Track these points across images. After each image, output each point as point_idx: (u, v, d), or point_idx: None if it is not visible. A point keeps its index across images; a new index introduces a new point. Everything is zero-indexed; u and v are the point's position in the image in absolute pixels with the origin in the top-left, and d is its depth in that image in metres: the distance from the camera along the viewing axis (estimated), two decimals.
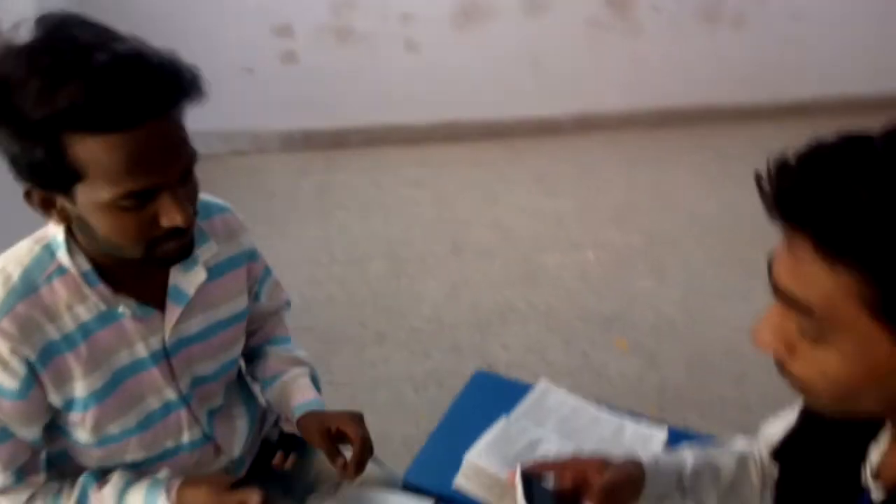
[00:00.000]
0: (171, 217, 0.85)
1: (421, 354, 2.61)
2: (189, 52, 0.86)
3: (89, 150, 0.78)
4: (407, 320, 2.81)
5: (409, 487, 1.16)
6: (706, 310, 2.86)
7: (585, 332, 2.73)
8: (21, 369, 0.90)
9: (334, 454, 1.08)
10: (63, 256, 0.92)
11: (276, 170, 4.10)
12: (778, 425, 0.99)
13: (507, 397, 1.35)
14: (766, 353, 0.65)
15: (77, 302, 0.93)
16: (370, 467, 1.27)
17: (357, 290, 3.00)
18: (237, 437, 1.18)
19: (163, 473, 1.03)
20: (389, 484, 1.18)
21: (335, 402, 2.41)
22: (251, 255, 1.16)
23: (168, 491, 0.98)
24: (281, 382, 1.20)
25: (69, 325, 0.93)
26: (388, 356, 2.61)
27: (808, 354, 0.61)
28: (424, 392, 2.42)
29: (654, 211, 3.66)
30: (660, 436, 1.26)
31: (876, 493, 0.70)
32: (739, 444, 1.04)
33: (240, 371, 1.26)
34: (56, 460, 1.04)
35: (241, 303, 1.13)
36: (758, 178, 0.61)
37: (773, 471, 0.93)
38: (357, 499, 1.09)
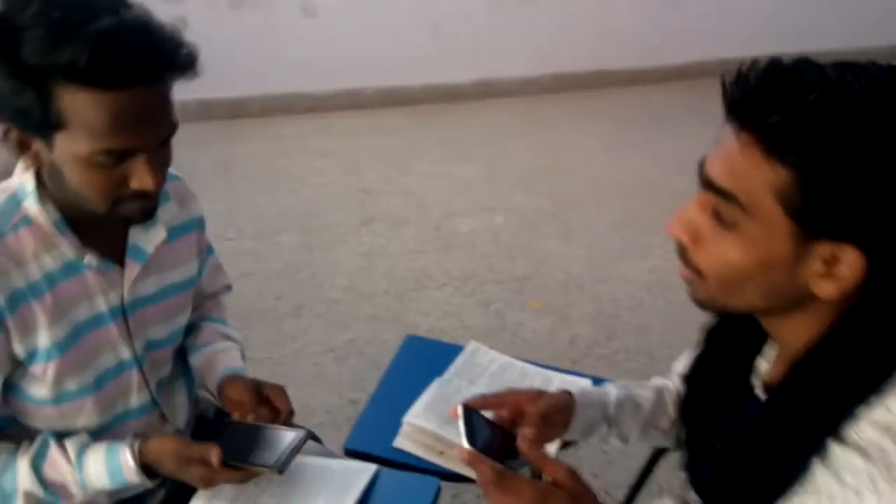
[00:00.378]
0: (142, 180, 0.87)
1: (339, 325, 2.61)
2: None
3: (77, 102, 0.80)
4: (323, 291, 2.79)
5: (350, 454, 1.18)
6: (610, 267, 3.02)
7: (500, 294, 2.82)
8: None
9: (259, 412, 1.09)
10: (31, 206, 0.92)
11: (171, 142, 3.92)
12: (685, 360, 1.09)
13: (439, 359, 1.39)
14: (675, 241, 0.75)
15: (43, 251, 0.94)
16: (309, 444, 1.29)
17: (270, 264, 2.95)
18: (179, 408, 1.19)
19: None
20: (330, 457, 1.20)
21: (256, 376, 2.38)
22: (201, 223, 1.18)
23: (131, 447, 0.98)
24: (210, 349, 1.21)
25: (35, 273, 0.93)
26: (307, 328, 2.59)
27: (712, 244, 0.71)
28: (346, 362, 2.44)
29: (557, 174, 3.80)
30: (585, 384, 1.34)
31: (763, 396, 0.81)
32: (656, 380, 1.14)
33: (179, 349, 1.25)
34: (5, 425, 1.02)
35: (193, 268, 1.15)
36: (722, 83, 0.68)
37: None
38: (301, 468, 1.10)
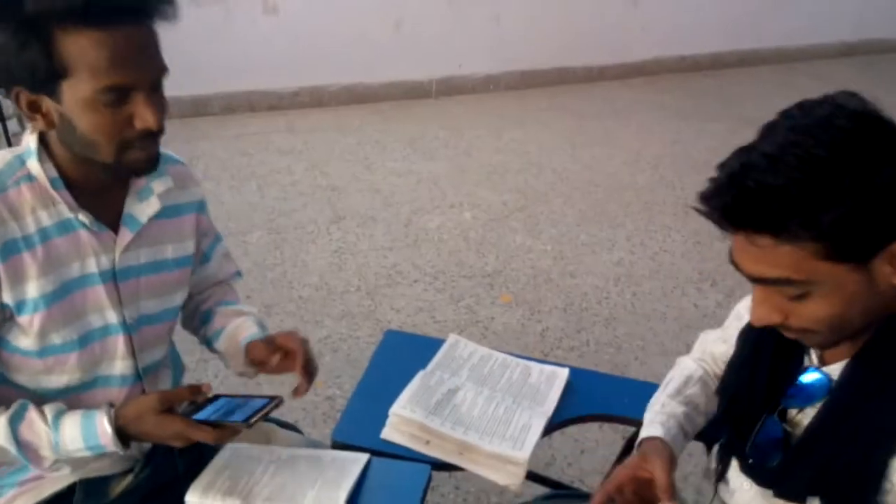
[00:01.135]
0: (144, 118, 0.93)
1: (312, 323, 2.61)
2: None
3: (78, 45, 0.88)
4: (294, 290, 2.78)
5: (338, 446, 1.20)
6: (577, 261, 3.08)
7: (470, 289, 2.85)
8: None
9: (275, 362, 1.13)
10: (33, 164, 0.98)
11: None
12: (715, 342, 1.14)
13: (419, 353, 1.41)
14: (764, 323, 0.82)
15: (40, 207, 0.98)
16: (297, 437, 1.30)
17: (238, 263, 2.90)
18: (161, 388, 1.19)
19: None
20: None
21: (228, 376, 2.36)
22: (201, 206, 1.21)
23: (107, 412, 1.00)
24: (228, 330, 1.23)
25: (31, 226, 0.98)
26: (279, 327, 2.57)
27: (799, 312, 0.78)
28: (320, 359, 2.40)
29: (522, 170, 3.85)
30: (562, 374, 1.38)
31: (821, 373, 0.87)
32: (687, 365, 1.16)
33: (172, 343, 1.26)
34: None
35: (188, 248, 1.18)
36: (698, 209, 0.77)
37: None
38: (294, 459, 1.11)
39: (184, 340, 1.31)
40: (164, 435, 1.00)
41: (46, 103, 0.93)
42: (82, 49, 0.88)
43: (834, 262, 0.73)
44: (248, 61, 4.27)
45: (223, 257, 1.30)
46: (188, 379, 1.35)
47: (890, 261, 0.74)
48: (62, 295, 1.01)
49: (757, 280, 0.78)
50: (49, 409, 1.01)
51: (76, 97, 0.91)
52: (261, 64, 4.31)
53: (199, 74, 4.16)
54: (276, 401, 1.04)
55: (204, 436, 0.99)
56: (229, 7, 4.17)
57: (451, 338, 1.47)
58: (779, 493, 0.90)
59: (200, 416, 1.01)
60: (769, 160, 0.72)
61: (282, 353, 1.14)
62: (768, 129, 0.76)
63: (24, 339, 1.00)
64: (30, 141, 0.99)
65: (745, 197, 0.72)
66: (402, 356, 1.41)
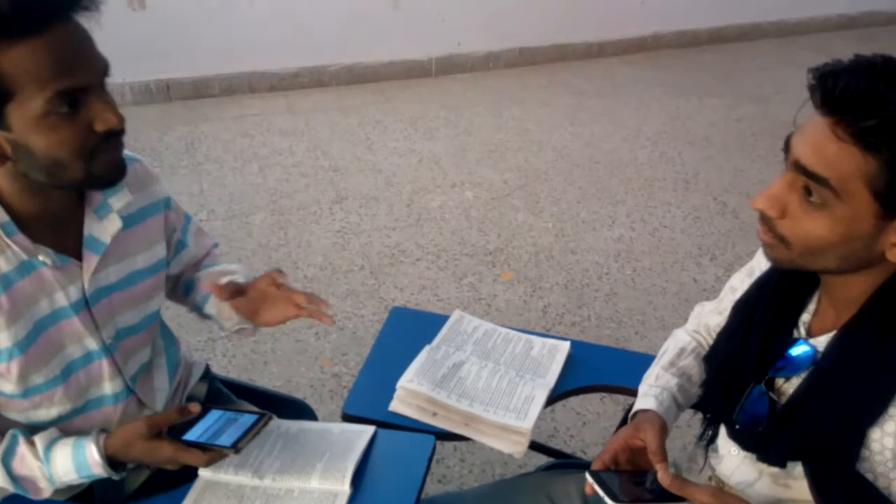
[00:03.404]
0: (104, 119, 0.89)
1: None
2: None
3: (14, 60, 0.82)
4: (299, 270, 2.82)
5: (348, 419, 1.24)
6: (578, 238, 3.11)
7: (473, 267, 2.89)
8: None
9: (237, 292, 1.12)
10: None
11: (133, 125, 3.84)
12: (711, 313, 1.17)
13: (424, 328, 1.45)
14: (759, 211, 0.83)
15: None
16: (307, 423, 1.32)
17: (243, 245, 2.96)
18: (159, 391, 1.20)
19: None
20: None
21: (236, 355, 2.41)
22: (167, 204, 1.18)
23: (96, 441, 1.00)
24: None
25: None
26: None
27: (801, 219, 0.80)
28: (326, 337, 2.48)
29: (523, 148, 3.86)
30: (564, 347, 1.42)
31: (809, 344, 0.90)
32: (681, 337, 1.20)
33: (162, 324, 1.27)
34: None
35: (159, 252, 1.15)
36: (817, 76, 0.76)
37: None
38: (302, 432, 1.16)
39: (189, 322, 1.31)
40: (154, 460, 1.01)
41: None
42: (20, 62, 0.82)
43: (875, 198, 0.74)
44: (248, 42, 4.26)
45: (197, 234, 1.29)
46: (197, 358, 1.39)
47: None
48: (36, 336, 0.98)
49: (801, 168, 0.78)
50: (40, 441, 1.00)
51: (27, 117, 0.84)
52: (260, 45, 4.30)
53: (198, 56, 4.16)
54: (265, 419, 1.05)
55: (194, 459, 1.00)
56: None
57: (456, 313, 1.51)
58: (762, 458, 0.94)
59: (189, 436, 1.01)
60: None
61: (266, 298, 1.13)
62: None
63: (6, 385, 0.98)
64: None
65: (868, 93, 0.72)
66: (409, 332, 1.45)
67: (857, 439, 0.82)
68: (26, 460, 0.99)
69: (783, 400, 0.92)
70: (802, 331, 0.93)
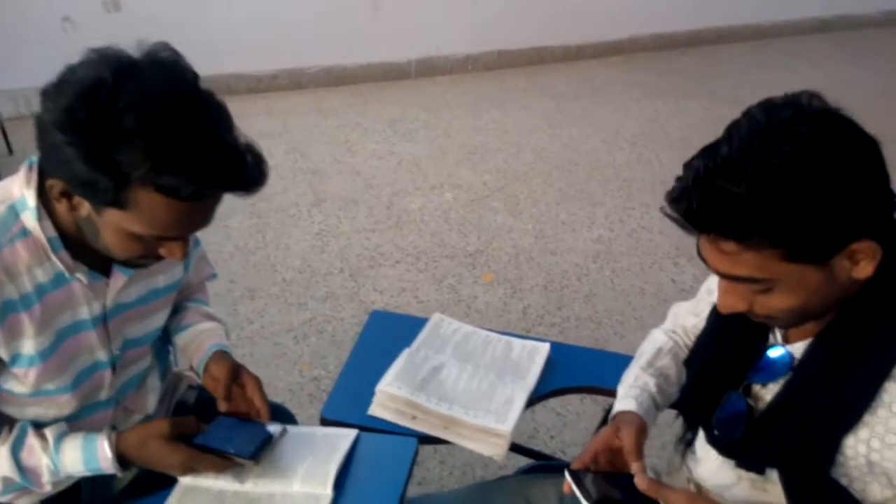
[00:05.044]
0: (173, 253, 0.95)
1: (296, 305, 2.63)
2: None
3: (151, 201, 0.85)
4: (278, 273, 2.80)
5: (327, 423, 1.23)
6: (557, 239, 3.12)
7: (453, 269, 2.89)
8: None
9: (228, 390, 1.13)
10: (29, 219, 0.94)
11: None
12: (687, 315, 1.18)
13: (404, 332, 1.45)
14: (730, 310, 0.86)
15: (36, 264, 0.96)
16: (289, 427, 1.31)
17: (221, 248, 2.93)
18: (151, 391, 1.21)
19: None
20: None
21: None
22: None
23: (108, 437, 1.02)
24: (196, 329, 1.23)
25: (27, 285, 0.96)
26: (263, 310, 2.60)
27: (763, 302, 0.82)
28: (305, 341, 2.46)
29: (502, 150, 3.87)
30: (543, 348, 1.42)
31: (784, 350, 0.92)
32: (658, 338, 1.21)
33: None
34: None
35: (178, 273, 1.18)
36: (665, 211, 0.79)
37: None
38: (286, 436, 1.14)
39: None
40: (166, 463, 1.02)
41: (84, 203, 0.89)
42: (152, 205, 0.85)
43: (796, 263, 0.76)
44: (226, 44, 4.23)
45: (201, 260, 1.31)
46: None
47: (850, 256, 0.77)
48: (56, 347, 1.00)
49: (723, 276, 0.81)
50: (51, 432, 1.02)
51: (118, 224, 0.88)
52: (239, 46, 4.27)
53: None
54: (281, 431, 1.08)
55: (209, 467, 1.03)
56: None
57: (436, 316, 1.51)
58: (740, 464, 0.95)
59: (203, 440, 1.02)
60: (731, 166, 0.73)
61: (240, 389, 1.15)
62: (732, 129, 0.77)
63: (19, 386, 1.00)
64: (27, 195, 0.94)
65: (708, 203, 0.74)
66: (388, 335, 1.44)
67: (833, 446, 0.82)
68: (35, 451, 1.01)
69: (760, 406, 0.92)
70: (779, 337, 0.94)
